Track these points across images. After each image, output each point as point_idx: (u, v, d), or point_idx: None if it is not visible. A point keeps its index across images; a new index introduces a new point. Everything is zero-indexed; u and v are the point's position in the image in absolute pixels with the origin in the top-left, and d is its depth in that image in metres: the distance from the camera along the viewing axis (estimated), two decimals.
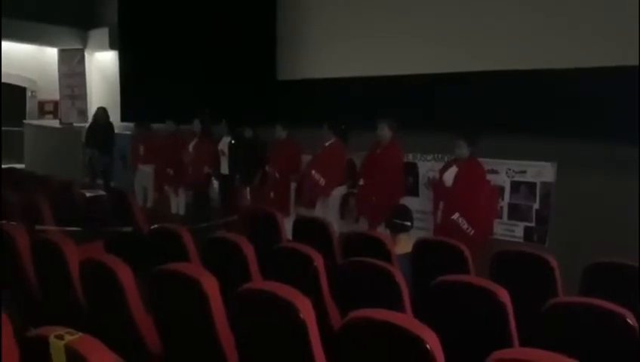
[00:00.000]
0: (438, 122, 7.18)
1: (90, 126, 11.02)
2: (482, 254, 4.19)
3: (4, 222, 4.00)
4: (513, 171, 6.24)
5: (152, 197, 9.38)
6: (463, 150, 5.68)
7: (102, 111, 10.88)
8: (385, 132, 6.34)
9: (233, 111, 9.22)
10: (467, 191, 5.57)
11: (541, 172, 6.09)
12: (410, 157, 6.90)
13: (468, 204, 5.51)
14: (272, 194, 7.40)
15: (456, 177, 5.66)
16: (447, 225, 5.56)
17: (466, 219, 5.48)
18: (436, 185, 6.10)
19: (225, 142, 8.28)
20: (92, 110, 11.56)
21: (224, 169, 8.31)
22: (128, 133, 10.61)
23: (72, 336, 1.76)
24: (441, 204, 5.75)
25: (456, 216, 5.52)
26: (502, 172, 6.30)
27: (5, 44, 14.21)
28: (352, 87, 9.65)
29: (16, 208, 5.48)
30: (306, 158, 7.47)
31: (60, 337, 1.76)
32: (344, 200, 6.85)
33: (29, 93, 15.15)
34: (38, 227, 4.66)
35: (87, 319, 3.08)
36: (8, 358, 1.99)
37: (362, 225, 6.39)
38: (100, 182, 9.87)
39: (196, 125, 8.63)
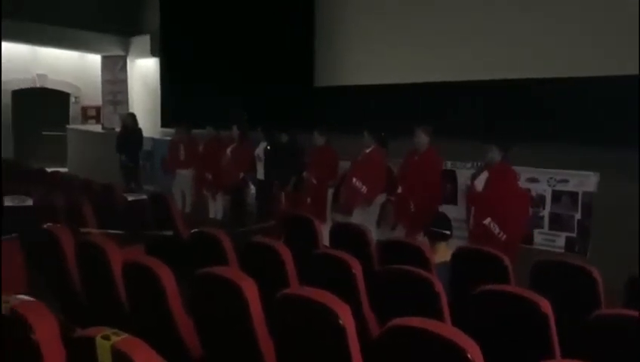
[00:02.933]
0: (479, 129, 7.12)
1: (120, 132, 11.21)
2: (515, 259, 4.13)
3: (50, 224, 4.09)
4: (555, 180, 6.15)
5: (190, 202, 9.49)
6: (494, 155, 5.64)
7: (130, 118, 11.04)
8: (422, 138, 6.31)
9: (270, 117, 9.29)
10: (498, 196, 5.52)
11: (583, 181, 5.98)
12: (449, 165, 6.85)
13: (498, 208, 5.47)
14: (308, 200, 7.40)
15: (487, 182, 5.62)
16: (479, 231, 5.52)
17: (498, 223, 5.43)
18: (468, 191, 6.05)
19: (261, 148, 8.34)
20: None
21: (260, 174, 8.36)
22: (169, 138, 10.77)
23: (118, 337, 1.79)
24: (473, 210, 5.71)
25: (487, 221, 5.48)
26: (543, 181, 6.21)
27: (49, 50, 14.62)
28: (388, 94, 9.64)
29: (61, 211, 5.61)
30: (343, 164, 7.46)
31: (107, 338, 1.79)
32: (382, 208, 6.81)
33: (72, 99, 15.52)
34: (82, 229, 4.76)
35: (129, 320, 3.13)
36: (55, 358, 2.04)
37: (399, 233, 6.35)
38: (132, 185, 10.00)
39: (234, 130, 8.72)
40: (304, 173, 7.60)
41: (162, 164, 10.38)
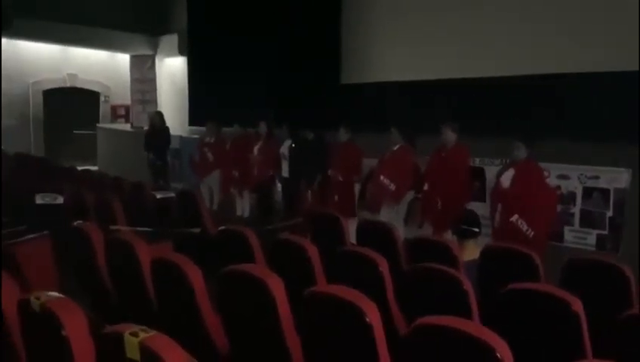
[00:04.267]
0: (507, 126, 7.03)
1: (147, 131, 11.31)
2: (543, 255, 4.06)
3: (80, 221, 4.15)
4: (585, 177, 6.04)
5: (217, 200, 9.55)
6: (521, 152, 5.58)
7: (158, 116, 11.12)
8: (448, 135, 6.25)
9: (297, 115, 9.29)
10: (525, 193, 5.45)
11: (615, 178, 5.86)
12: (477, 162, 6.77)
13: (526, 205, 5.41)
14: (336, 198, 7.37)
15: (514, 179, 5.55)
16: (506, 228, 5.46)
17: (525, 220, 5.36)
18: (494, 188, 5.98)
19: (286, 145, 8.35)
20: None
21: (285, 172, 8.37)
22: (196, 136, 10.85)
23: (146, 334, 1.80)
24: (499, 207, 5.64)
25: (515, 218, 5.41)
26: (574, 177, 6.11)
27: (79, 50, 14.85)
28: (415, 90, 9.55)
29: (91, 208, 5.69)
30: (368, 162, 7.42)
31: (135, 334, 1.80)
32: (410, 206, 6.76)
33: (102, 98, 15.73)
34: (111, 227, 4.82)
35: (157, 317, 3.16)
36: (84, 354, 2.06)
37: (426, 231, 6.31)
38: (162, 184, 10.07)
39: (262, 128, 8.74)
40: (330, 171, 7.57)
41: (190, 163, 10.44)
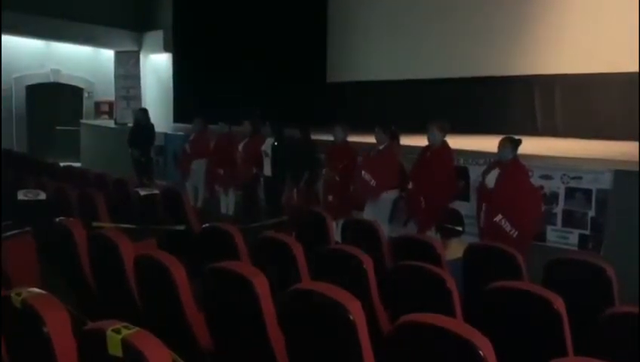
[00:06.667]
0: (491, 125, 7.08)
1: (132, 127, 11.23)
2: (526, 256, 4.09)
3: (62, 217, 4.12)
4: (568, 177, 6.09)
5: (202, 197, 9.51)
6: (507, 152, 5.60)
7: (142, 113, 11.05)
8: (435, 134, 6.26)
9: (282, 113, 9.28)
10: (509, 193, 5.47)
11: (598, 178, 5.92)
12: (461, 161, 6.80)
13: (511, 205, 5.42)
14: (330, 198, 7.29)
15: (498, 179, 5.56)
16: (490, 228, 5.47)
17: (509, 220, 5.38)
18: (479, 187, 6.00)
19: (268, 144, 8.31)
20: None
21: (267, 170, 8.34)
22: (181, 133, 10.80)
23: (128, 330, 1.79)
24: (484, 206, 5.66)
25: (498, 217, 5.42)
26: (556, 177, 6.16)
27: (63, 45, 14.73)
28: (401, 89, 9.59)
29: (74, 205, 5.64)
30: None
31: (117, 331, 1.79)
32: (395, 204, 6.77)
33: (85, 94, 15.60)
34: (94, 223, 4.78)
35: (140, 314, 3.14)
36: (66, 351, 2.05)
37: (410, 230, 6.32)
38: (146, 181, 9.98)
39: (246, 126, 8.71)
40: (324, 170, 7.49)
41: (177, 163, 10.37)
